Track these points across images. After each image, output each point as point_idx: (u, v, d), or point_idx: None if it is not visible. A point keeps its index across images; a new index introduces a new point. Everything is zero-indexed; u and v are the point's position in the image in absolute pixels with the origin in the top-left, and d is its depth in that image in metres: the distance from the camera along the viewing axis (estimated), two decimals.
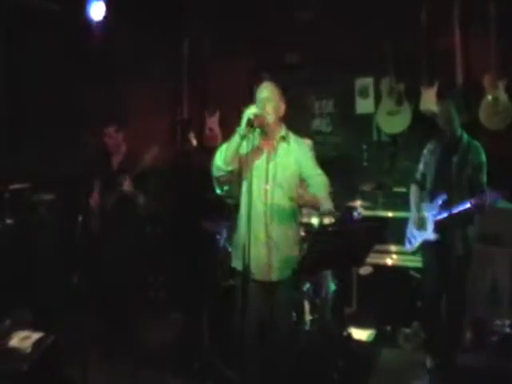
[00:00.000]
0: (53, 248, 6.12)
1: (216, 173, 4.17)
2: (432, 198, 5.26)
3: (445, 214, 5.07)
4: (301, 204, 4.23)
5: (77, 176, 5.92)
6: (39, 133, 6.26)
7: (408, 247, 5.50)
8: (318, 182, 4.24)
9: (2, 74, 6.08)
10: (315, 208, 4.27)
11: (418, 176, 5.49)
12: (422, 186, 5.45)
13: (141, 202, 5.64)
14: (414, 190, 5.54)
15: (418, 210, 5.39)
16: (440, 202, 5.13)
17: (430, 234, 5.23)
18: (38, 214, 5.70)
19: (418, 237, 5.35)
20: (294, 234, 4.36)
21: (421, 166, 5.48)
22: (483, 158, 5.10)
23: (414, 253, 5.52)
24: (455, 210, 4.97)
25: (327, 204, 4.18)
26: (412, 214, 5.47)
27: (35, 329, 4.53)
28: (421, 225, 5.32)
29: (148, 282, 7.07)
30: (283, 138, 4.28)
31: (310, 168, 4.28)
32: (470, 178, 5.06)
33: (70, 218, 5.76)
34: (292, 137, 4.35)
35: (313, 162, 4.35)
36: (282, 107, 4.29)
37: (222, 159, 4.10)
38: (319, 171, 4.31)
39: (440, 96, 6.26)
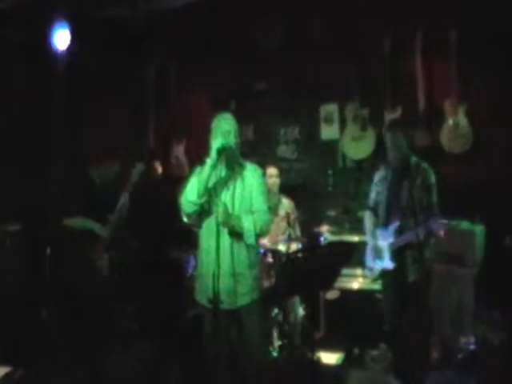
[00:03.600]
0: (19, 280, 6.06)
1: (189, 209, 4.19)
2: (386, 225, 5.26)
3: (401, 242, 5.09)
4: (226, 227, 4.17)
5: (43, 207, 5.88)
6: (4, 163, 6.24)
7: (369, 275, 5.52)
8: (259, 220, 4.25)
9: None
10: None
11: (371, 203, 5.48)
12: (375, 214, 5.45)
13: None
14: (367, 218, 5.53)
15: (374, 237, 5.38)
16: (393, 229, 5.16)
17: (387, 263, 5.22)
18: (2, 246, 5.65)
19: (376, 265, 5.34)
20: (255, 260, 4.41)
21: (372, 194, 5.47)
22: (433, 179, 5.12)
23: (375, 280, 5.53)
24: (410, 237, 5.02)
25: (250, 237, 4.19)
26: (368, 242, 5.46)
27: (2, 363, 4.45)
28: (378, 254, 5.31)
29: (116, 312, 7.00)
30: (241, 166, 4.35)
31: (258, 202, 4.32)
32: (420, 201, 5.07)
33: (36, 249, 5.74)
34: (248, 165, 4.41)
35: (263, 195, 4.38)
36: (238, 137, 4.37)
37: (195, 194, 4.13)
38: (265, 208, 4.34)
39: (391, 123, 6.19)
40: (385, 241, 5.21)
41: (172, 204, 4.48)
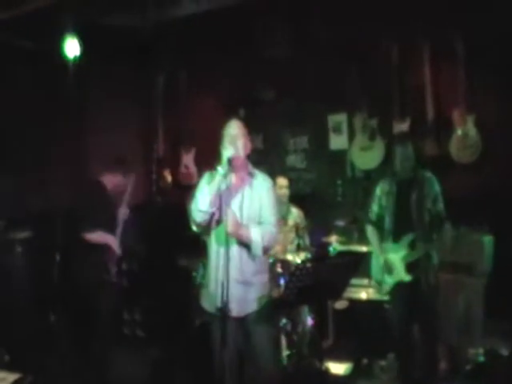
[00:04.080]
0: (28, 286, 6.10)
1: (199, 218, 4.17)
2: (394, 238, 5.26)
3: (416, 254, 5.11)
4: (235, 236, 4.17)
5: (53, 214, 5.92)
6: (14, 171, 6.29)
7: (379, 289, 5.50)
8: (266, 232, 4.24)
9: None
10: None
11: (374, 217, 5.46)
12: (378, 227, 5.44)
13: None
14: (371, 232, 5.52)
15: (382, 252, 5.36)
16: (406, 242, 5.16)
17: (403, 276, 5.20)
18: (13, 252, 5.69)
19: (388, 280, 5.32)
20: (263, 268, 4.41)
21: (375, 208, 5.46)
22: (438, 188, 5.16)
23: (386, 294, 5.47)
24: (426, 249, 5.06)
25: (256, 248, 4.18)
26: (376, 258, 5.44)
27: (12, 366, 4.57)
28: (389, 267, 5.30)
29: (124, 319, 7.03)
30: (252, 175, 4.34)
31: (267, 214, 4.31)
32: (429, 211, 5.12)
33: (46, 255, 5.77)
34: (259, 175, 4.41)
35: (272, 207, 4.36)
36: (249, 145, 4.35)
37: (206, 203, 4.10)
38: (273, 220, 4.32)
39: (398, 137, 6.31)
40: (396, 254, 5.20)
41: (181, 212, 4.47)
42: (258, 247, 4.18)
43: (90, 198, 5.81)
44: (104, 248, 5.67)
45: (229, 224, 4.06)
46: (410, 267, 5.15)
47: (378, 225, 5.43)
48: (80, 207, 5.73)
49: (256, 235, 4.17)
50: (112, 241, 5.69)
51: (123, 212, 5.82)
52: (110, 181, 5.83)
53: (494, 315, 5.64)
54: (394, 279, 5.25)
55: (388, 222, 5.34)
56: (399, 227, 5.26)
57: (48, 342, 5.62)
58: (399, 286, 5.25)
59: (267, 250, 4.35)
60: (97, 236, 5.62)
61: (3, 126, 6.36)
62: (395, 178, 5.36)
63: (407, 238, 5.14)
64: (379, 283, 5.42)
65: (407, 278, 5.16)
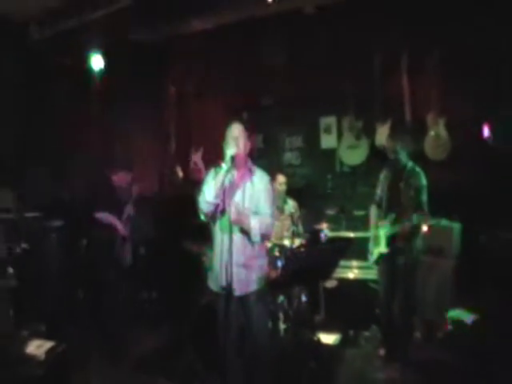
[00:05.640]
0: (61, 267, 6.25)
1: (206, 208, 4.30)
2: (385, 217, 5.54)
3: (392, 231, 5.39)
4: (237, 224, 4.27)
5: (79, 205, 6.06)
6: (49, 168, 6.46)
7: (370, 260, 5.75)
8: (264, 222, 4.32)
9: (22, 116, 6.28)
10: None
11: (377, 198, 5.78)
12: (379, 207, 5.73)
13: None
14: (372, 210, 5.82)
15: (375, 227, 5.67)
16: (389, 220, 5.45)
17: (382, 248, 5.51)
18: (48, 239, 5.79)
19: (375, 250, 5.63)
20: (263, 254, 4.52)
21: (378, 190, 5.77)
22: (423, 181, 5.40)
23: (374, 264, 5.73)
24: (398, 228, 5.31)
25: (255, 235, 4.28)
26: (371, 231, 5.74)
27: (48, 338, 4.64)
28: (376, 240, 5.61)
29: (142, 297, 7.17)
30: (251, 172, 4.45)
31: (264, 207, 4.38)
32: (412, 199, 5.32)
33: (74, 240, 5.92)
34: (258, 172, 4.49)
35: (269, 201, 4.43)
36: (248, 145, 4.43)
37: (212, 195, 4.23)
38: (270, 212, 4.40)
39: (390, 133, 6.44)
40: (382, 230, 5.51)
41: (191, 203, 4.60)
42: (256, 234, 4.27)
43: (102, 190, 6.06)
44: (110, 228, 5.90)
45: (232, 213, 4.19)
46: (389, 242, 5.44)
47: (379, 204, 5.73)
48: (94, 196, 5.99)
49: (255, 224, 4.26)
50: (116, 222, 5.91)
51: (131, 204, 6.07)
52: (120, 177, 6.06)
53: (461, 291, 5.80)
54: (378, 250, 5.57)
55: (383, 203, 5.66)
56: (388, 207, 5.56)
57: (77, 314, 5.76)
58: (381, 258, 5.56)
59: (265, 237, 4.42)
60: (104, 216, 5.86)
61: (41, 129, 6.50)
62: (390, 168, 5.65)
63: (390, 217, 5.44)
64: (371, 253, 5.71)
65: (385, 250, 5.47)
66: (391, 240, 5.45)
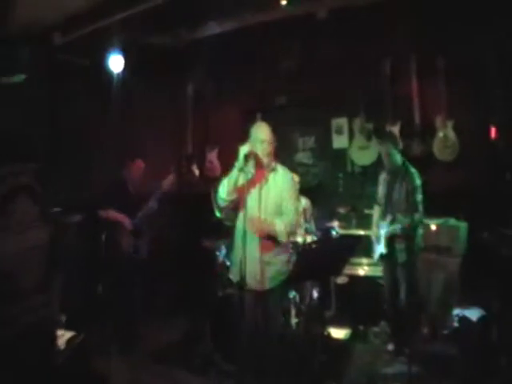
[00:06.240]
0: (81, 261, 6.33)
1: (221, 203, 4.41)
2: (384, 217, 5.58)
3: (392, 230, 5.40)
4: (260, 234, 4.32)
5: (98, 201, 6.11)
6: (70, 165, 6.50)
7: (374, 257, 5.84)
8: (288, 220, 4.36)
9: (44, 116, 6.31)
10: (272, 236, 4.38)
11: (378, 199, 5.83)
12: (380, 207, 5.76)
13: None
14: (375, 211, 5.89)
15: (377, 227, 5.73)
16: (387, 221, 5.49)
17: (381, 248, 5.57)
18: (68, 234, 5.82)
19: (377, 250, 5.70)
20: (282, 250, 4.50)
21: (379, 191, 5.82)
22: (418, 181, 5.40)
23: (377, 262, 5.85)
24: (396, 228, 5.34)
25: (282, 236, 4.33)
26: (374, 231, 5.82)
27: (68, 329, 4.71)
28: (378, 240, 5.68)
29: (161, 291, 7.19)
30: (273, 170, 4.46)
31: (288, 204, 4.40)
32: (408, 199, 5.33)
33: (94, 236, 5.96)
34: (280, 169, 4.51)
35: (292, 198, 4.45)
36: (273, 144, 4.46)
37: (225, 192, 4.31)
38: (293, 209, 4.42)
39: (379, 138, 6.50)
40: (382, 230, 5.55)
41: (206, 201, 4.61)
42: (282, 235, 4.34)
43: (110, 187, 6.12)
44: (117, 225, 5.95)
45: (253, 228, 4.22)
46: (388, 242, 5.48)
47: (380, 205, 5.76)
48: (101, 194, 6.04)
49: (280, 227, 4.31)
50: (120, 217, 5.96)
51: (155, 200, 6.09)
52: (136, 164, 6.10)
53: (467, 289, 5.78)
54: (379, 250, 5.62)
55: (382, 204, 5.69)
56: (387, 208, 5.59)
57: (96, 306, 5.79)
58: (385, 258, 5.61)
59: (290, 234, 4.49)
60: (109, 214, 5.92)
61: (63, 128, 6.53)
62: (388, 169, 5.67)
63: (388, 218, 5.48)
64: (375, 252, 5.78)
65: (384, 250, 5.51)
66: (390, 240, 5.49)
